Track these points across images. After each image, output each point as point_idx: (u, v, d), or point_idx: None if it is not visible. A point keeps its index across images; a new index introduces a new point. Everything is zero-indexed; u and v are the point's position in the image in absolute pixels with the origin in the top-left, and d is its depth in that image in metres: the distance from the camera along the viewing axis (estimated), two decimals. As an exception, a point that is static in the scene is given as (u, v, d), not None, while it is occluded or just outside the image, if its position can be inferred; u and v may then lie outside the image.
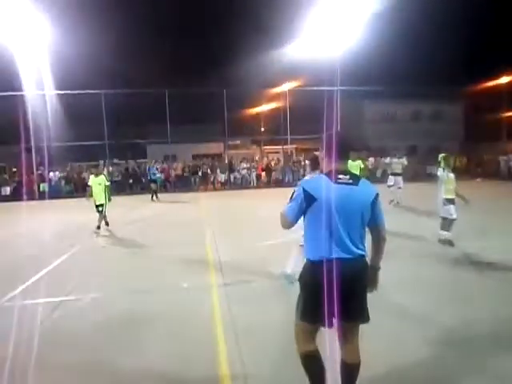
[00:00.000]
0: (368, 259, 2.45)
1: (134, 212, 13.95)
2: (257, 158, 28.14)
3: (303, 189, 2.34)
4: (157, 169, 20.12)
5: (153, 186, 18.05)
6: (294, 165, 24.72)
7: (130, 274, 6.00)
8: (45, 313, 4.44)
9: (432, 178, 20.92)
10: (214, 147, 30.10)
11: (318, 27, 21.44)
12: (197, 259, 6.59)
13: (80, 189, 22.36)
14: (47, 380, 3.06)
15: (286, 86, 24.48)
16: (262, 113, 31.09)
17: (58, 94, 22.10)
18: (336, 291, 2.22)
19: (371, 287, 2.50)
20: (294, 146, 29.17)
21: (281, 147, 27.70)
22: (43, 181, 22.23)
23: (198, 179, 23.21)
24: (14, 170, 23.23)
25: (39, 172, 22.74)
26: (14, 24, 18.24)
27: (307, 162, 4.60)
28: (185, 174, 23.48)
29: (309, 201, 2.31)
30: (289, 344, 3.36)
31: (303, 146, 29.51)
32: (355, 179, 2.36)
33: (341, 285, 2.22)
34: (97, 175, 9.78)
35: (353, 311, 2.34)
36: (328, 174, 2.37)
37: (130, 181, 23.25)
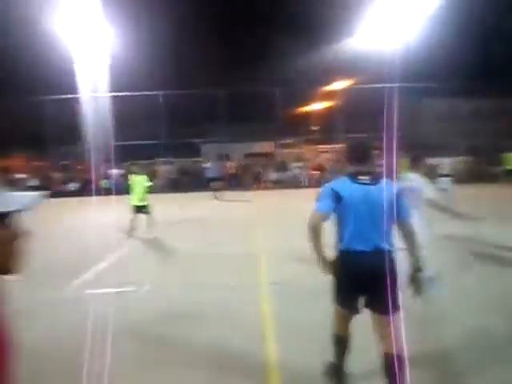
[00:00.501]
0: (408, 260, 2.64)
1: (188, 210, 14.36)
2: (309, 157, 27.87)
3: (331, 189, 2.60)
4: (221, 166, 19.94)
5: (214, 184, 18.05)
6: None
7: (181, 269, 6.19)
8: (105, 302, 4.70)
9: (494, 178, 19.71)
10: (267, 146, 30.17)
11: (372, 22, 20.80)
12: (247, 257, 6.65)
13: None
14: (113, 367, 3.22)
15: (340, 84, 24.02)
16: (316, 111, 30.72)
17: (119, 96, 23.29)
18: (359, 282, 2.51)
19: (415, 290, 2.62)
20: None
21: (334, 146, 27.23)
22: (106, 178, 23.58)
23: (250, 178, 23.45)
24: (79, 167, 24.82)
25: (102, 169, 24.13)
26: (77, 27, 19.34)
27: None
28: (237, 173, 23.82)
29: (336, 199, 2.56)
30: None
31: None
32: (376, 179, 2.59)
33: (364, 276, 2.49)
34: (138, 174, 9.33)
35: (375, 303, 2.51)
36: (350, 176, 2.63)
37: (185, 179, 24.01)
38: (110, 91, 22.51)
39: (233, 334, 3.80)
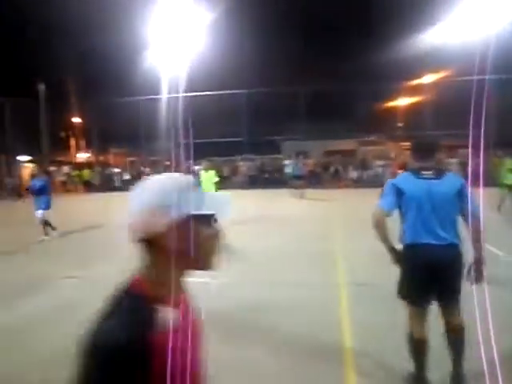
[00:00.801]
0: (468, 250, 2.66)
1: (269, 207, 14.56)
2: (393, 154, 26.64)
3: (392, 184, 2.74)
4: (303, 164, 19.18)
5: (294, 182, 17.48)
6: (438, 163, 22.73)
7: (256, 264, 6.31)
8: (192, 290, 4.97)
9: None
10: (347, 143, 29.45)
11: (464, 8, 19.16)
12: (325, 256, 6.59)
13: (220, 181, 24.44)
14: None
15: (428, 78, 22.56)
16: (400, 107, 29.24)
17: (203, 95, 24.34)
18: (428, 275, 2.57)
19: (473, 279, 2.63)
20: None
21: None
22: (190, 173, 24.83)
23: (329, 176, 23.09)
24: (167, 163, 26.45)
25: (187, 165, 25.45)
26: (165, 28, 20.49)
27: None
28: (317, 171, 23.60)
29: (398, 194, 2.68)
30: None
31: (446, 143, 26.84)
32: (439, 174, 2.67)
33: (432, 269, 2.56)
34: (207, 170, 9.39)
35: (443, 295, 2.65)
36: (413, 171, 2.73)
37: (266, 175, 24.39)
38: (195, 90, 23.64)
39: (309, 328, 3.80)
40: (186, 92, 23.11)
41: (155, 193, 0.92)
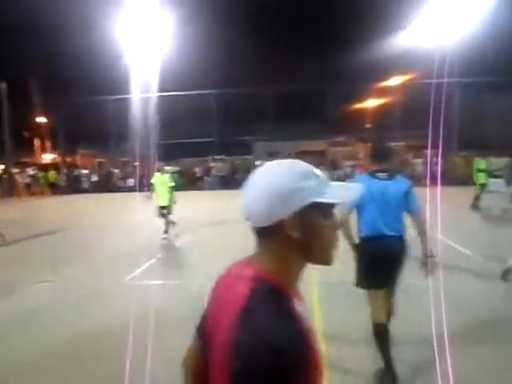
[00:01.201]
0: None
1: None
2: (361, 155, 27.24)
3: None
4: None
5: None
6: (403, 163, 23.43)
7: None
8: (160, 293, 4.96)
9: None
10: (317, 144, 29.88)
11: (429, 14, 19.86)
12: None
13: (191, 182, 24.43)
14: (164, 354, 3.42)
15: (395, 80, 23.24)
16: (368, 108, 29.94)
17: (173, 95, 24.12)
18: (382, 263, 2.92)
19: (425, 272, 2.98)
20: (403, 142, 27.55)
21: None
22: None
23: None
24: (137, 163, 26.01)
25: (157, 166, 25.13)
26: (132, 28, 20.19)
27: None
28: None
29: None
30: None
31: (412, 144, 27.70)
32: (391, 175, 3.04)
33: (385, 258, 2.93)
34: (162, 173, 9.01)
35: (389, 279, 3.00)
36: (370, 173, 3.09)
37: (237, 176, 24.43)
38: (164, 91, 23.39)
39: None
40: (155, 92, 22.85)
41: (276, 179, 0.85)
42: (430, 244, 3.00)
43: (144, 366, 3.02)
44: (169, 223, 8.67)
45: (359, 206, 3.01)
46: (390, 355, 2.86)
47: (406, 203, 3.01)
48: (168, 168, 25.21)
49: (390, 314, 3.05)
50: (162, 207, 8.62)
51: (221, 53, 27.38)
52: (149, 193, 9.54)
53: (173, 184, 8.82)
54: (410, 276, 3.29)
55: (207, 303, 0.95)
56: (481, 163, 11.48)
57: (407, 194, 3.01)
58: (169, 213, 8.65)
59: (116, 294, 5.06)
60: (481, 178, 11.24)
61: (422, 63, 20.85)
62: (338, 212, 2.60)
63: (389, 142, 2.93)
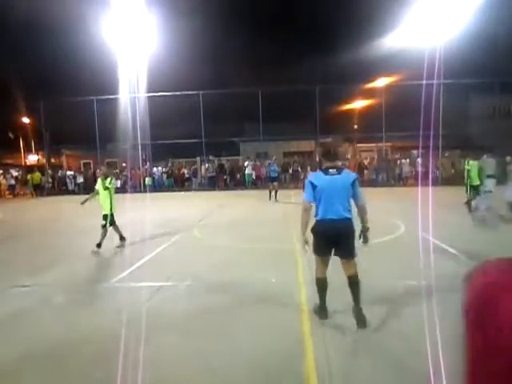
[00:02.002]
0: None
1: (227, 207, 14.54)
2: (349, 155, 27.40)
3: (309, 181, 3.86)
4: (278, 166, 17.66)
5: (275, 184, 15.90)
6: (389, 163, 23.63)
7: (222, 266, 6.29)
8: (147, 295, 4.88)
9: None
10: (306, 145, 29.98)
11: (416, 16, 20.06)
12: (286, 256, 6.66)
13: (180, 183, 24.32)
14: (151, 355, 3.36)
15: (382, 81, 23.43)
16: (356, 109, 30.15)
17: (160, 96, 23.95)
18: (329, 237, 3.81)
19: (364, 241, 3.96)
20: (390, 143, 27.82)
21: (375, 145, 26.61)
22: (148, 175, 24.35)
23: (288, 177, 23.39)
24: (124, 164, 25.76)
25: (145, 167, 24.93)
26: (120, 29, 19.98)
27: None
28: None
29: (313, 187, 3.79)
30: (377, 344, 3.25)
31: (399, 144, 27.99)
32: (340, 171, 3.80)
33: (332, 235, 3.79)
34: (105, 177, 7.73)
35: (342, 253, 3.83)
36: (323, 169, 3.85)
37: (225, 177, 24.41)
38: (152, 91, 23.21)
39: (270, 329, 3.83)
40: (142, 92, 22.66)
41: None
42: (367, 224, 3.92)
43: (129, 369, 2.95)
44: (104, 235, 7.41)
45: (316, 196, 3.80)
46: (324, 297, 4.02)
47: (352, 193, 3.80)
48: (155, 169, 25.11)
49: (348, 273, 3.86)
50: (105, 216, 7.55)
51: (208, 53, 27.32)
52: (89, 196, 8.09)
53: (109, 186, 7.65)
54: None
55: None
56: (474, 164, 10.60)
57: (353, 185, 3.79)
58: (105, 224, 7.48)
59: (102, 296, 4.96)
60: (474, 178, 10.45)
61: (409, 65, 21.10)
62: (302, 204, 3.91)
63: (338, 145, 3.97)
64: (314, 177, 3.89)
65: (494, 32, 22.21)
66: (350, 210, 3.80)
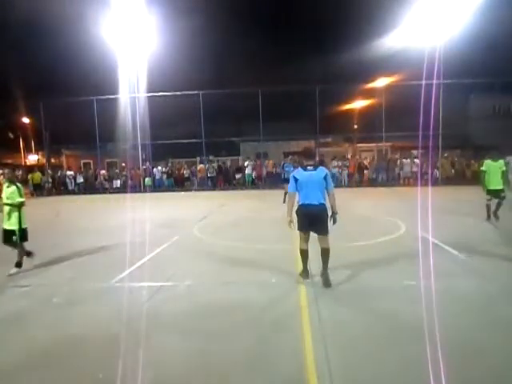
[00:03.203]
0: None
1: (227, 207, 14.53)
2: (349, 155, 27.40)
3: (293, 176, 5.13)
4: (294, 166, 16.78)
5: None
6: (389, 163, 23.60)
7: (222, 266, 6.29)
8: (147, 295, 4.88)
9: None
10: (305, 144, 29.96)
11: (416, 16, 20.04)
12: (286, 256, 6.66)
13: (179, 183, 24.31)
14: (150, 355, 3.35)
15: (382, 81, 23.41)
16: (356, 109, 30.12)
17: (161, 96, 23.93)
18: (308, 219, 4.99)
19: (334, 222, 5.07)
20: (390, 143, 27.80)
21: (375, 145, 26.58)
22: (148, 175, 24.34)
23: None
24: (123, 164, 25.73)
25: (144, 167, 24.90)
26: (120, 29, 19.96)
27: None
28: (276, 171, 23.82)
29: (296, 180, 5.05)
30: (376, 345, 3.25)
31: (399, 144, 27.97)
32: (315, 167, 5.06)
33: (310, 216, 4.99)
34: (10, 183, 6.24)
35: (318, 230, 5.04)
36: (303, 167, 5.14)
37: (224, 177, 24.40)
38: (152, 91, 23.19)
39: (270, 329, 3.83)
40: (142, 92, 22.65)
41: None
42: (336, 207, 5.06)
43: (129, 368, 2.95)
44: (22, 254, 6.23)
45: (298, 187, 5.05)
46: (306, 263, 5.31)
47: (325, 184, 5.00)
48: (155, 169, 25.09)
49: (322, 246, 5.07)
50: (6, 232, 6.10)
51: (208, 53, 27.31)
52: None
53: (21, 200, 6.14)
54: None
55: None
56: (493, 164, 9.14)
57: (325, 178, 5.00)
58: (15, 241, 6.12)
59: (102, 297, 4.96)
60: (495, 182, 8.98)
61: (409, 65, 21.09)
62: (288, 193, 5.54)
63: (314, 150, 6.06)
64: (297, 173, 5.16)
65: (494, 32, 22.16)
66: (323, 198, 5.01)
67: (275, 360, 3.29)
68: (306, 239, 5.17)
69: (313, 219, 4.97)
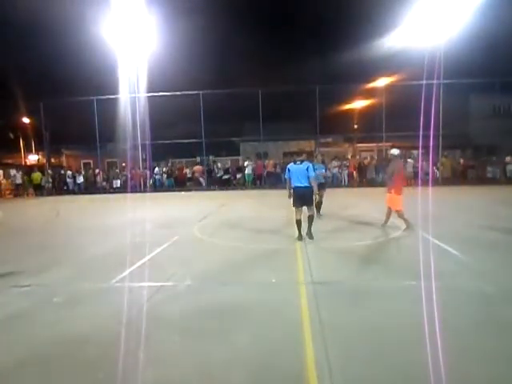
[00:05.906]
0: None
1: (227, 207, 14.53)
2: (349, 155, 27.39)
3: (287, 167, 7.64)
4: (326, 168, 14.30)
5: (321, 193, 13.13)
6: (389, 163, 23.59)
7: (222, 266, 6.28)
8: (147, 295, 4.88)
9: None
10: (305, 144, 29.99)
11: (416, 16, 20.03)
12: (287, 255, 6.66)
13: (180, 183, 24.30)
14: (150, 355, 3.35)
15: (382, 81, 23.40)
16: (356, 109, 30.13)
17: (161, 96, 23.95)
18: (299, 197, 7.51)
19: (314, 196, 7.66)
20: (390, 143, 27.78)
21: (375, 145, 26.57)
22: (150, 176, 24.36)
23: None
24: (124, 164, 25.74)
25: (145, 167, 24.92)
26: (120, 29, 19.96)
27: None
28: (276, 171, 23.83)
29: (289, 170, 7.59)
30: (377, 345, 3.25)
31: (399, 144, 27.92)
32: (302, 162, 7.46)
33: (300, 195, 7.47)
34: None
35: (306, 203, 7.57)
36: (294, 161, 7.56)
37: (226, 176, 24.39)
38: (152, 91, 23.20)
39: (269, 330, 3.83)
40: (142, 92, 22.66)
41: None
42: (316, 189, 7.49)
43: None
44: None
45: (290, 176, 7.51)
46: (300, 230, 7.60)
47: (307, 173, 7.29)
48: (156, 169, 25.11)
49: (308, 214, 7.61)
50: None
51: (208, 53, 27.31)
52: None
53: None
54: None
55: None
56: None
57: (307, 169, 7.29)
58: None
59: (102, 297, 4.96)
60: None
61: (409, 65, 21.09)
62: (285, 179, 8.20)
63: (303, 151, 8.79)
64: (290, 165, 7.55)
65: (494, 32, 22.15)
66: (308, 182, 7.33)
67: (275, 360, 3.29)
68: (299, 212, 7.55)
69: (301, 196, 7.41)
